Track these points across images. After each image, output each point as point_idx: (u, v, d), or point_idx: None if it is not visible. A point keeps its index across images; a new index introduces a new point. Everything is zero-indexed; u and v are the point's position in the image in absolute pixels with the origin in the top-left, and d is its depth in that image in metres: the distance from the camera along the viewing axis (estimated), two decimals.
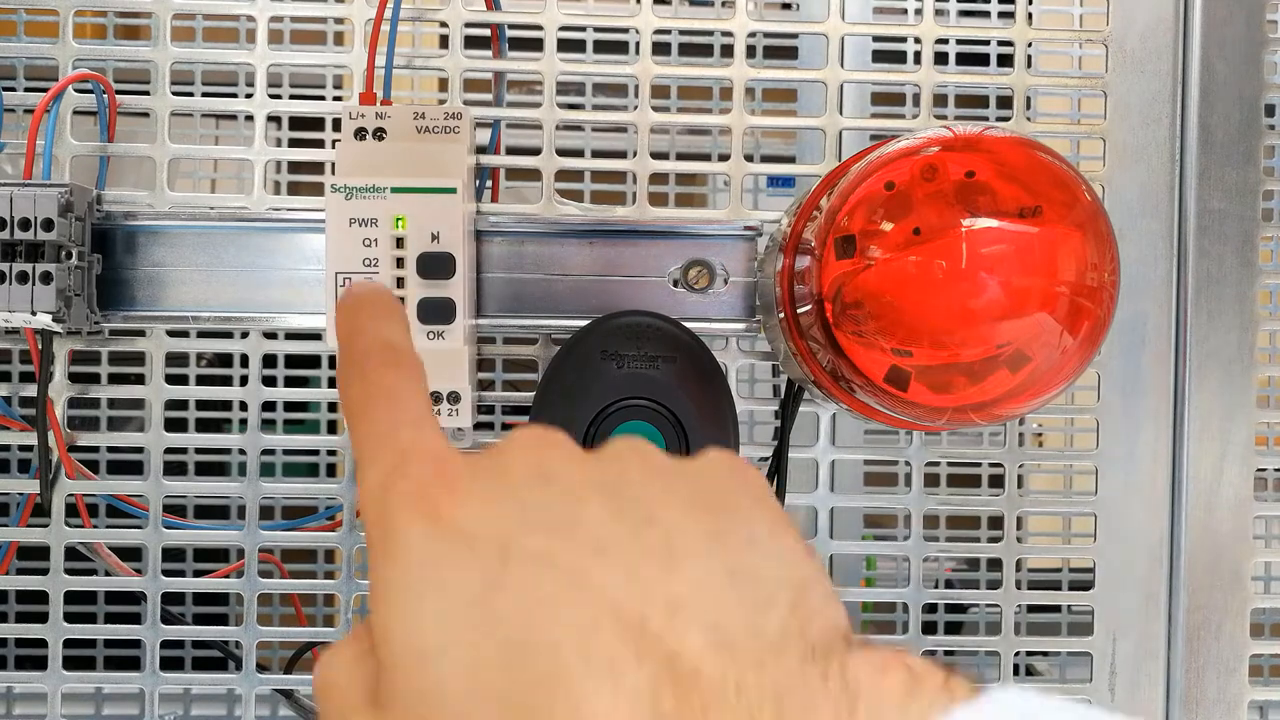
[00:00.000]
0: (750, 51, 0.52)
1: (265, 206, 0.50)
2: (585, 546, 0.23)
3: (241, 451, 0.52)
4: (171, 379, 0.51)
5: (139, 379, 0.51)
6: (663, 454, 0.27)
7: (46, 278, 0.45)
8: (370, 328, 0.33)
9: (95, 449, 0.84)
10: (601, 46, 0.96)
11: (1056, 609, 0.93)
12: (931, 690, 0.21)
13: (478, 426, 0.50)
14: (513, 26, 0.52)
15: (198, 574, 0.89)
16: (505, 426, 0.91)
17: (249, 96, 0.51)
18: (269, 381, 0.52)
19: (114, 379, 0.84)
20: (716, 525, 0.25)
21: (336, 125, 0.46)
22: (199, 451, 0.96)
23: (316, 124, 0.98)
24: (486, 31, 0.52)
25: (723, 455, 0.28)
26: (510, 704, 0.22)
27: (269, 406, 0.52)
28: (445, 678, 0.23)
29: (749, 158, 0.53)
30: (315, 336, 0.52)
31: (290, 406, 0.94)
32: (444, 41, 0.51)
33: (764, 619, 0.23)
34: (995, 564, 0.55)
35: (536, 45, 0.51)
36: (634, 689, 0.21)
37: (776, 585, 0.24)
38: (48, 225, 0.45)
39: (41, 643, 0.51)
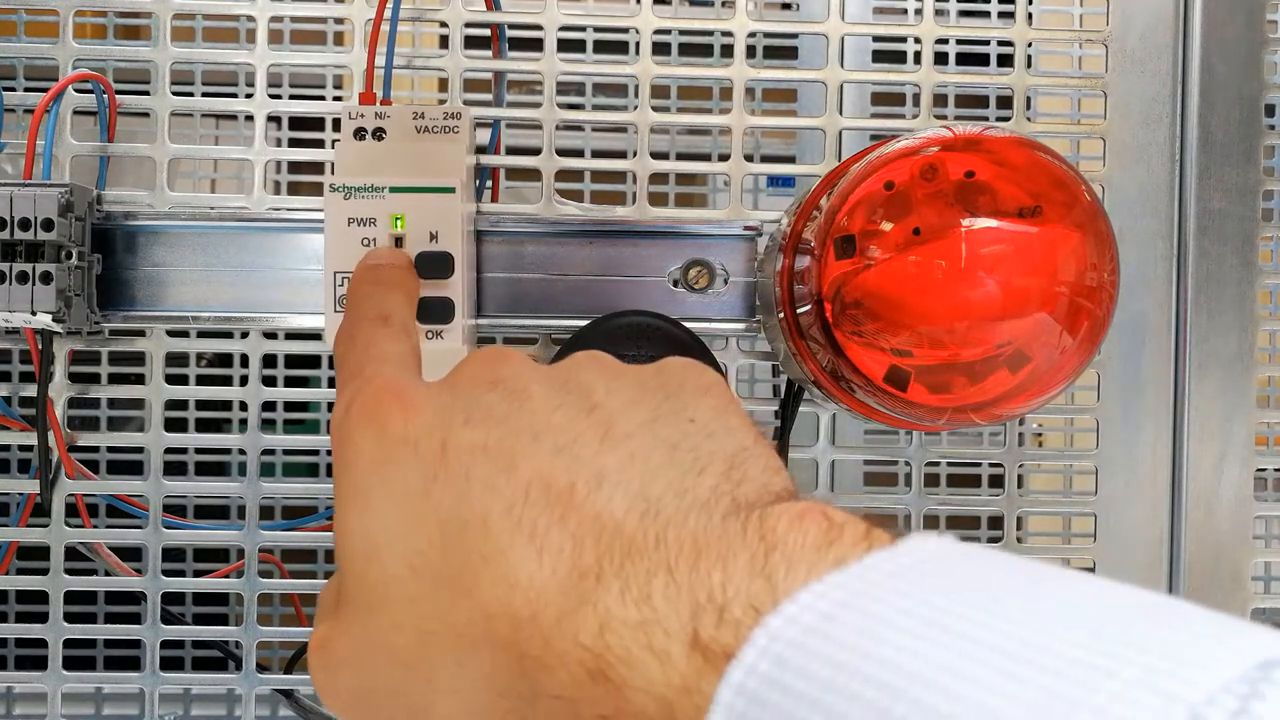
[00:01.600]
0: (750, 51, 0.52)
1: (265, 206, 0.50)
2: (522, 433, 0.25)
3: (241, 451, 0.52)
4: (171, 379, 0.51)
5: (139, 379, 0.51)
6: (618, 360, 0.28)
7: (46, 278, 0.45)
8: (372, 295, 0.35)
9: (95, 449, 0.84)
10: (601, 46, 0.96)
11: None
12: (851, 538, 0.21)
13: None
14: (513, 26, 0.52)
15: (198, 574, 0.89)
16: None
17: (249, 96, 0.51)
18: (269, 381, 0.52)
19: (114, 379, 0.84)
20: (658, 410, 0.26)
21: (336, 125, 0.46)
22: (199, 451, 0.96)
23: (316, 124, 0.98)
24: (486, 31, 0.52)
25: (678, 358, 0.29)
26: (446, 579, 0.23)
27: (269, 406, 0.52)
28: (387, 568, 0.24)
29: (749, 158, 0.53)
30: (315, 336, 0.52)
31: (290, 406, 0.94)
32: (444, 41, 0.51)
33: (694, 483, 0.24)
34: None
35: (536, 45, 0.51)
36: (556, 549, 0.23)
37: (711, 456, 0.25)
38: (48, 225, 0.45)
39: (41, 643, 0.51)
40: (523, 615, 0.22)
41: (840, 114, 0.52)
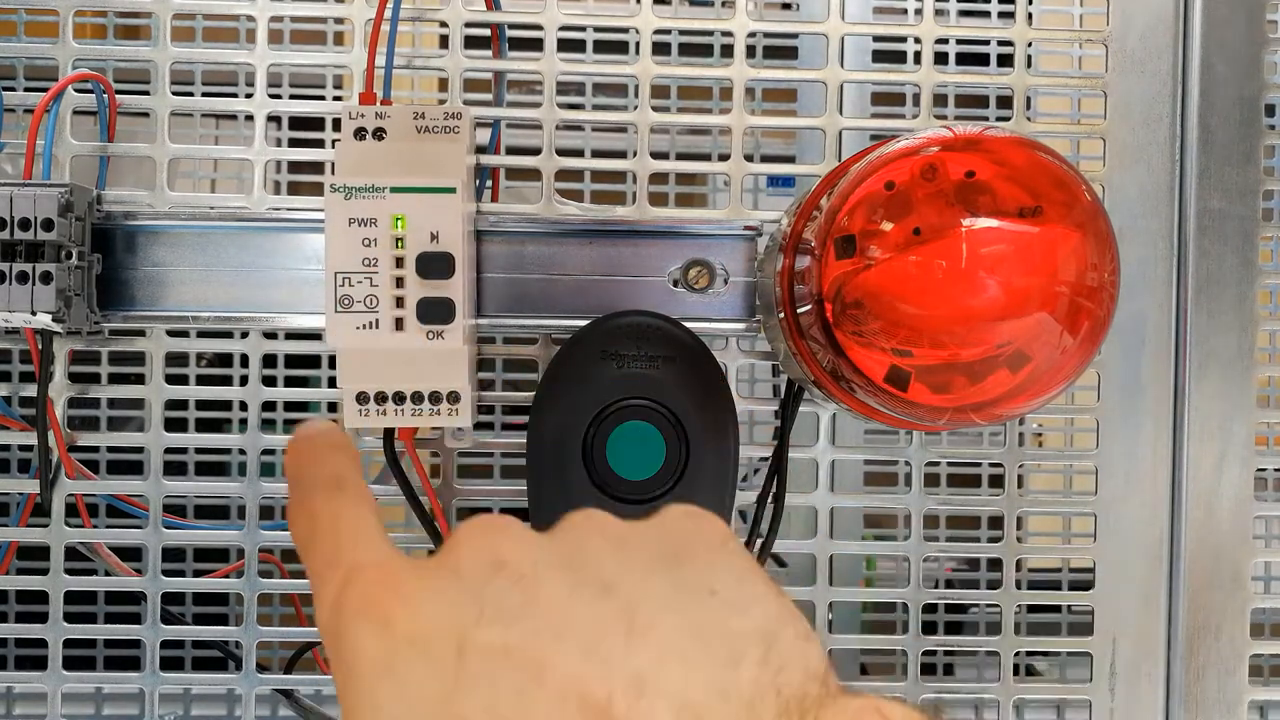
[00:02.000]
0: (750, 51, 0.52)
1: (265, 206, 0.50)
2: (543, 631, 0.23)
3: (241, 451, 0.52)
4: (171, 379, 0.51)
5: (139, 379, 0.51)
6: (618, 520, 0.27)
7: (46, 278, 0.45)
8: (315, 463, 0.32)
9: (95, 449, 0.84)
10: (601, 46, 0.96)
11: (1056, 609, 0.93)
12: None
13: (478, 426, 0.50)
14: (513, 26, 0.52)
15: (198, 574, 0.89)
16: (505, 426, 0.91)
17: (249, 96, 0.51)
18: (269, 381, 0.52)
19: (114, 379, 0.84)
20: (677, 583, 0.24)
21: (336, 125, 0.46)
22: (199, 451, 0.96)
23: (316, 124, 0.98)
24: (486, 31, 0.52)
25: (679, 508, 0.27)
26: None
27: (269, 406, 0.52)
28: None
29: (749, 158, 0.53)
30: (315, 336, 0.52)
31: (290, 406, 0.94)
32: (444, 41, 0.51)
33: (733, 678, 0.22)
34: (995, 564, 0.55)
35: (536, 45, 0.51)
36: None
37: (743, 638, 0.23)
38: (48, 225, 0.45)
39: (41, 643, 0.51)
40: None
41: (840, 114, 0.52)
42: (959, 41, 0.83)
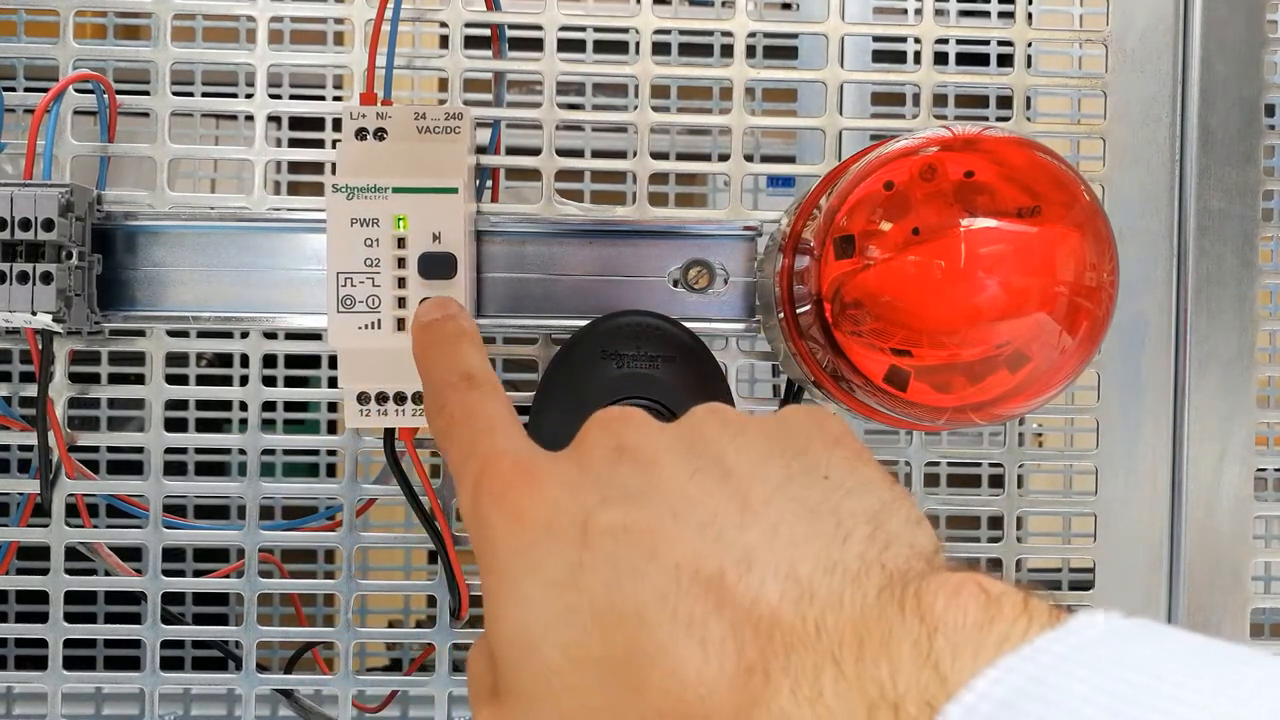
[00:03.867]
0: (750, 51, 0.52)
1: (265, 206, 0.50)
2: (661, 511, 0.24)
3: (241, 451, 0.52)
4: (171, 379, 0.51)
5: (139, 379, 0.51)
6: (739, 412, 0.28)
7: (47, 278, 0.45)
8: (443, 358, 0.35)
9: (95, 449, 0.84)
10: (601, 46, 0.96)
11: None
12: (1010, 613, 0.21)
13: None
14: (513, 26, 0.52)
15: (198, 574, 0.89)
16: None
17: (249, 96, 0.51)
18: (269, 381, 0.52)
19: (114, 379, 0.84)
20: (791, 468, 0.26)
21: (336, 125, 0.46)
22: (199, 451, 0.96)
23: (316, 124, 0.98)
24: (486, 31, 0.52)
25: (799, 406, 0.29)
26: (608, 674, 0.23)
27: (269, 406, 0.52)
28: (545, 660, 0.24)
29: (749, 158, 0.53)
30: (315, 336, 0.52)
31: (290, 406, 0.94)
32: (444, 41, 0.51)
33: (841, 553, 0.23)
34: (995, 564, 0.55)
35: (536, 45, 0.51)
36: (719, 642, 0.22)
37: (853, 517, 0.24)
38: (48, 225, 0.45)
39: (41, 643, 0.51)
40: (697, 715, 0.22)
41: (840, 114, 0.52)
42: (959, 41, 0.83)
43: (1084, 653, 0.19)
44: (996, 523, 0.71)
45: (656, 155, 0.51)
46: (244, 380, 0.52)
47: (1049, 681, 0.19)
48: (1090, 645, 0.19)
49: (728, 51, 0.53)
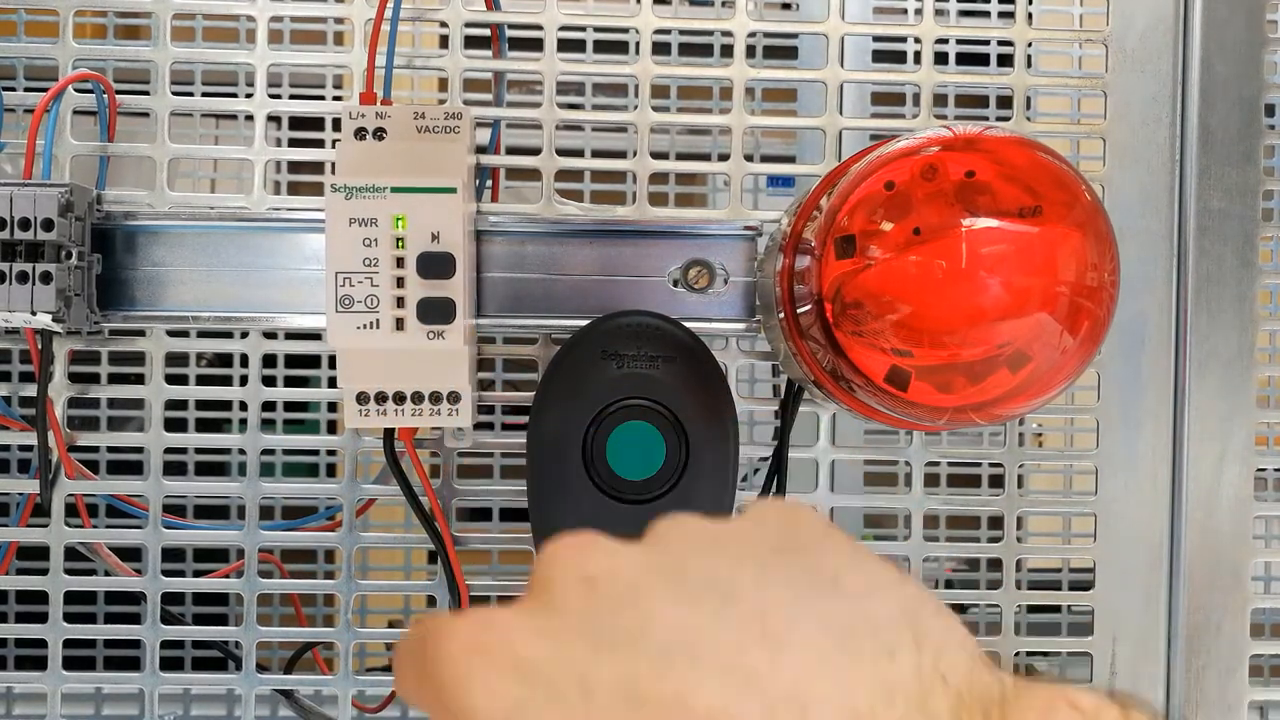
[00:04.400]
0: (750, 51, 0.52)
1: (265, 206, 0.50)
2: (671, 653, 0.20)
3: (241, 451, 0.52)
4: (171, 379, 0.51)
5: (139, 379, 0.51)
6: (706, 521, 0.24)
7: (46, 278, 0.45)
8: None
9: (95, 449, 0.84)
10: (601, 46, 0.96)
11: (1056, 609, 0.93)
12: None
13: (478, 427, 0.50)
14: (513, 26, 0.52)
15: (198, 574, 0.89)
16: (505, 426, 0.91)
17: (249, 96, 0.51)
18: (269, 381, 0.52)
19: (114, 379, 0.84)
20: (794, 577, 0.22)
21: (336, 125, 0.46)
22: (199, 451, 0.96)
23: (316, 124, 0.98)
24: (486, 31, 0.52)
25: (767, 503, 0.25)
26: None
27: (269, 406, 0.52)
28: None
29: (749, 158, 0.53)
30: (315, 336, 0.52)
31: (290, 406, 0.94)
32: (444, 41, 0.51)
33: (894, 672, 0.20)
34: (995, 564, 0.55)
35: (536, 45, 0.51)
36: None
37: (888, 626, 0.21)
38: (48, 225, 0.45)
39: (41, 643, 0.51)
40: None
41: (840, 114, 0.52)
42: (959, 41, 0.83)
43: None
44: (996, 523, 0.71)
45: (656, 155, 0.51)
46: (244, 380, 0.52)
47: None
48: None
49: (728, 51, 0.53)
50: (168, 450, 0.51)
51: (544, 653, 0.21)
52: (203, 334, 0.57)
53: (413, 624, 0.24)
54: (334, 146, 0.47)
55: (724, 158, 0.52)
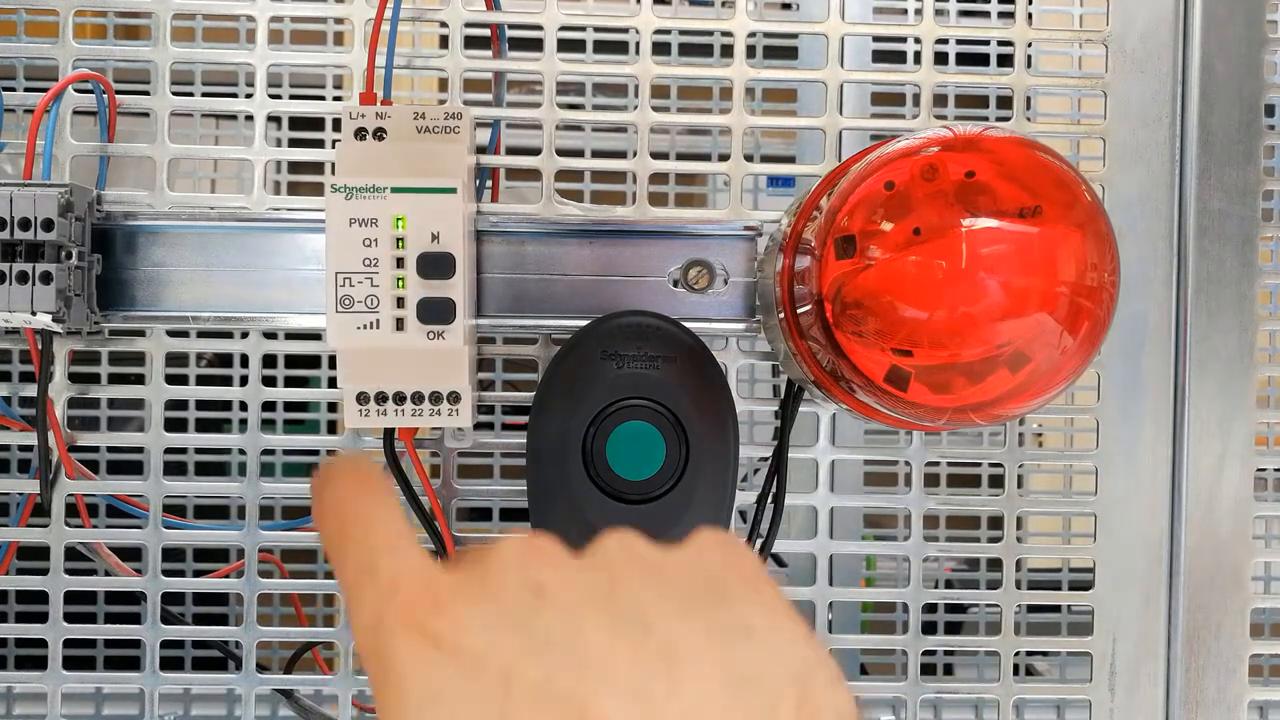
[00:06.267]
0: (750, 51, 0.52)
1: (265, 206, 0.50)
2: (586, 671, 0.23)
3: (241, 451, 0.52)
4: (171, 379, 0.51)
5: (139, 379, 0.51)
6: (651, 547, 0.27)
7: (46, 278, 0.45)
8: (339, 461, 0.32)
9: (95, 449, 0.84)
10: (601, 46, 0.96)
11: (1056, 609, 0.93)
12: None
13: (478, 427, 0.50)
14: (513, 26, 0.52)
15: (198, 574, 0.89)
16: (505, 426, 0.91)
17: (249, 96, 0.51)
18: (269, 381, 0.52)
19: (114, 379, 0.84)
20: (713, 621, 0.25)
21: (336, 125, 0.46)
22: (199, 451, 0.96)
23: (316, 124, 0.98)
24: (486, 31, 0.52)
25: (711, 537, 0.28)
26: None
27: (269, 406, 0.52)
28: None
29: (749, 158, 0.53)
30: (315, 336, 0.52)
31: (290, 406, 0.94)
32: (444, 41, 0.51)
33: None
34: (995, 564, 0.55)
35: (536, 45, 0.51)
36: None
37: (779, 683, 0.23)
38: (48, 225, 0.45)
39: (41, 643, 0.51)
40: None
41: (840, 114, 0.52)
42: (959, 41, 0.83)
43: None
44: (996, 523, 0.71)
45: (656, 155, 0.51)
46: (244, 380, 0.52)
47: None
48: None
49: (728, 51, 0.53)
50: (168, 450, 0.51)
51: (479, 644, 0.24)
52: (203, 334, 0.57)
53: (380, 568, 0.26)
54: (334, 146, 0.47)
55: (724, 158, 0.52)
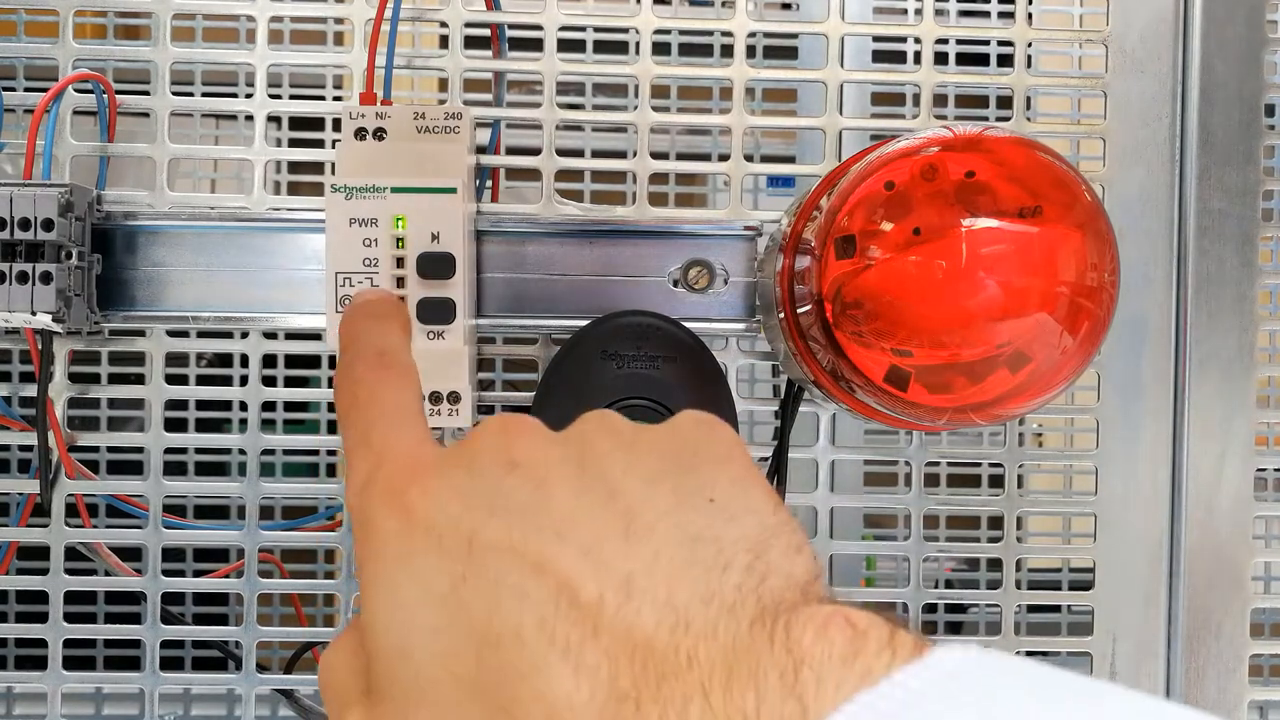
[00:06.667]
0: (750, 51, 0.52)
1: (265, 206, 0.50)
2: (546, 530, 0.24)
3: (241, 451, 0.52)
4: (171, 379, 0.51)
5: (139, 379, 0.51)
6: (630, 423, 0.28)
7: (46, 278, 0.45)
8: (364, 333, 0.34)
9: (95, 449, 0.84)
10: (601, 46, 0.96)
11: (1056, 609, 0.93)
12: (874, 647, 0.21)
13: None
14: (513, 26, 0.52)
15: (198, 574, 0.89)
16: None
17: (249, 96, 0.51)
18: (269, 381, 0.52)
19: (114, 379, 0.83)
20: (678, 489, 0.25)
21: (336, 125, 0.46)
22: (199, 451, 0.96)
23: (316, 124, 0.98)
24: (486, 31, 0.52)
25: (690, 415, 0.28)
26: (482, 690, 0.23)
27: (269, 406, 0.52)
28: (422, 669, 0.24)
29: (749, 158, 0.53)
30: (315, 336, 0.52)
31: (290, 406, 0.94)
32: (444, 41, 0.51)
33: (720, 583, 0.23)
34: (995, 564, 0.55)
35: (536, 45, 0.51)
36: (593, 669, 0.22)
37: (734, 545, 0.24)
38: (48, 225, 0.45)
39: (41, 643, 0.51)
40: None
41: (840, 114, 0.52)
42: (959, 41, 0.83)
43: (940, 686, 0.20)
44: (996, 523, 0.71)
45: (656, 155, 0.51)
46: (244, 380, 0.52)
47: (903, 715, 0.19)
48: (947, 679, 0.20)
49: (728, 51, 0.53)
50: (168, 450, 0.51)
51: (450, 510, 0.25)
52: (203, 334, 0.57)
53: (374, 439, 0.28)
54: (334, 146, 0.47)
55: (724, 158, 0.52)
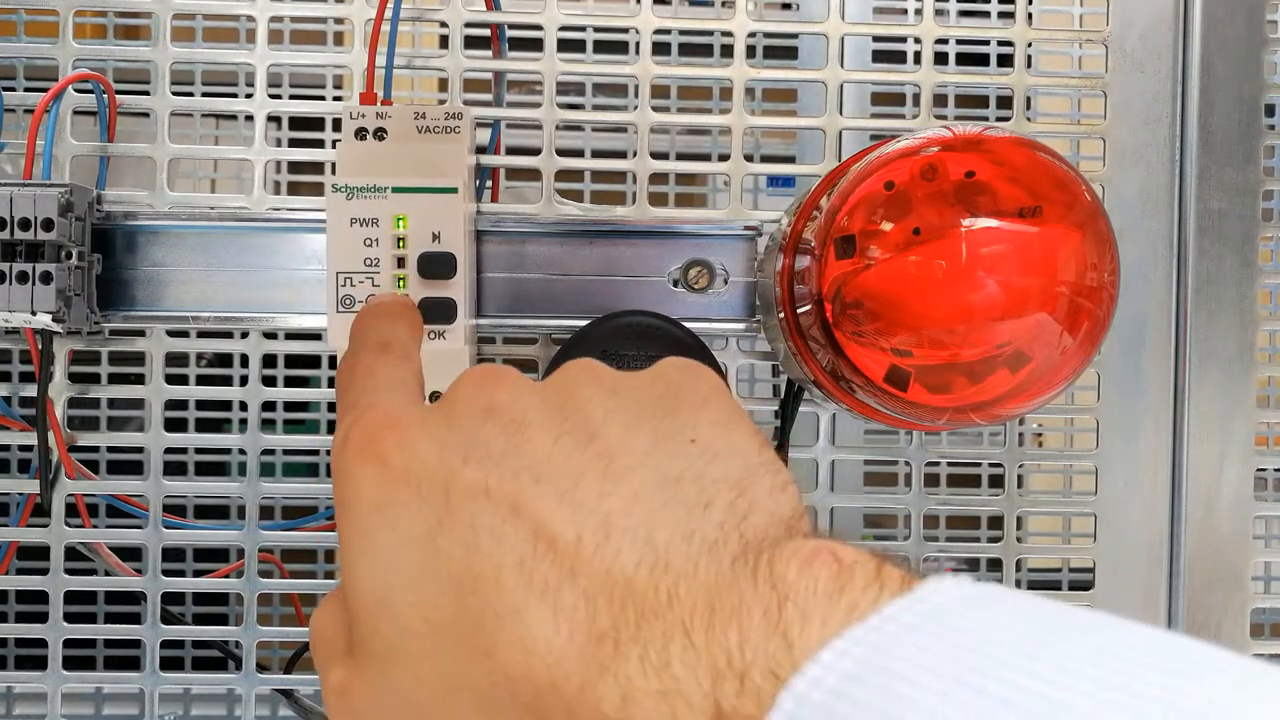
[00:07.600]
0: (750, 51, 0.52)
1: (265, 206, 0.50)
2: (523, 475, 0.24)
3: (241, 451, 0.52)
4: (171, 379, 0.51)
5: (139, 379, 0.51)
6: (613, 370, 0.28)
7: (46, 278, 0.45)
8: (371, 327, 0.35)
9: (95, 449, 0.84)
10: (601, 46, 0.96)
11: None
12: (861, 581, 0.21)
13: None
14: (513, 26, 0.52)
15: (198, 574, 0.89)
16: None
17: (249, 96, 0.51)
18: (269, 381, 0.52)
19: (114, 379, 0.84)
20: (659, 432, 0.25)
21: (336, 125, 0.46)
22: (199, 451, 0.96)
23: (316, 124, 0.98)
24: (486, 31, 0.52)
25: (672, 360, 0.28)
26: (461, 636, 0.23)
27: (269, 406, 0.52)
28: (401, 619, 0.24)
29: (749, 158, 0.53)
30: (315, 336, 0.52)
31: (290, 406, 0.94)
32: (444, 41, 0.51)
33: (701, 521, 0.23)
34: (995, 564, 0.55)
35: (536, 45, 0.51)
36: (571, 610, 0.22)
37: (716, 484, 0.24)
38: (48, 225, 0.45)
39: (41, 643, 0.51)
40: (543, 682, 0.22)
41: (840, 114, 0.52)
42: (959, 41, 0.83)
43: (931, 620, 0.19)
44: (996, 523, 0.71)
45: (656, 155, 0.51)
46: (244, 380, 0.52)
47: (893, 651, 0.18)
48: (937, 613, 0.19)
49: (728, 51, 0.53)
50: (168, 450, 0.51)
51: (426, 459, 0.25)
52: (203, 334, 0.57)
53: (359, 402, 0.29)
54: (334, 146, 0.47)
55: (724, 158, 0.52)
